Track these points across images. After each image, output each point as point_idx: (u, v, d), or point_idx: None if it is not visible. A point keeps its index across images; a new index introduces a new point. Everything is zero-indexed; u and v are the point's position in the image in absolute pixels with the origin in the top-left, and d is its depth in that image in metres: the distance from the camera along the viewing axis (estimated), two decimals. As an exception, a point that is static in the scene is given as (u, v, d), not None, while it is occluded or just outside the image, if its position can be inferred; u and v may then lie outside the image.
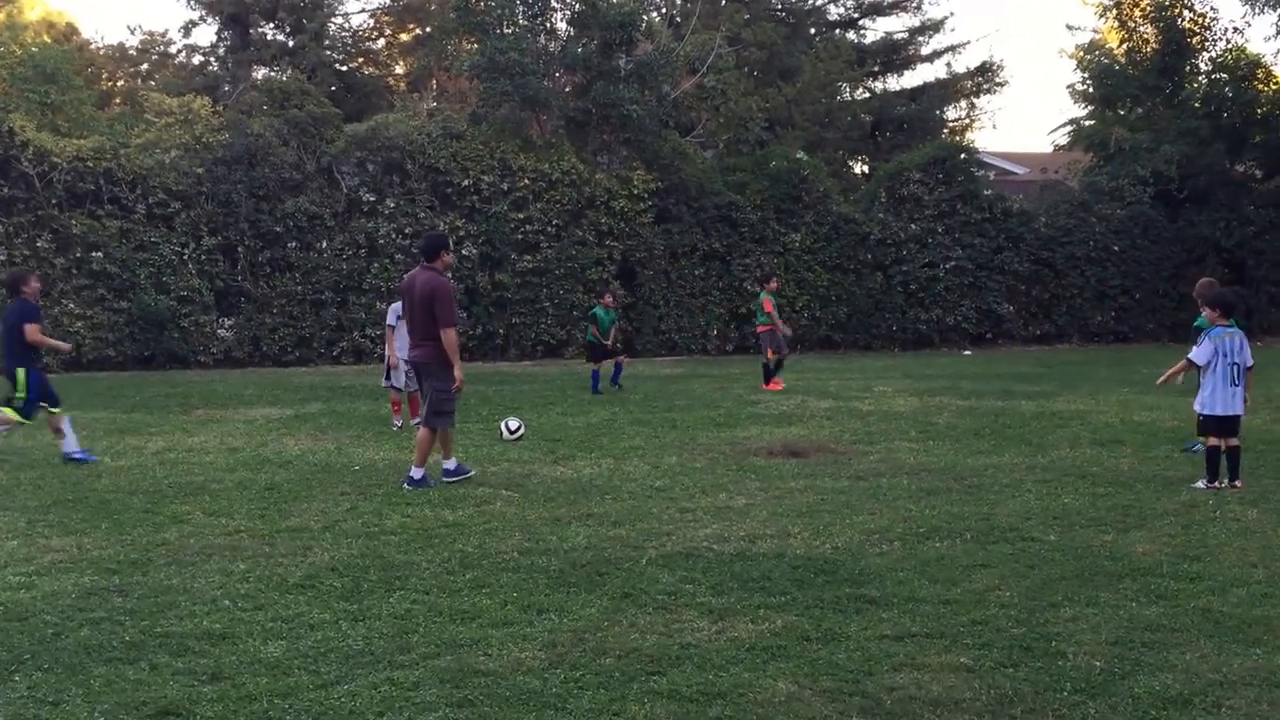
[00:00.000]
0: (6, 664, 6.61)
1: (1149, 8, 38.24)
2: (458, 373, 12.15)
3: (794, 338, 22.24)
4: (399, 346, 16.77)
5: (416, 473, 12.04)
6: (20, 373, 14.00)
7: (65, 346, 16.00)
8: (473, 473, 12.48)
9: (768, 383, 22.00)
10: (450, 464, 12.38)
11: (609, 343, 22.20)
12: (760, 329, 22.73)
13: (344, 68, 46.18)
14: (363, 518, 10.55)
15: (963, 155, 35.59)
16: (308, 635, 7.11)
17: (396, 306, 17.08)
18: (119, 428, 17.14)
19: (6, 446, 14.90)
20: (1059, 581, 8.25)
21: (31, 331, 14.03)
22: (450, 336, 12.01)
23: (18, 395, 14.00)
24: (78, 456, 13.89)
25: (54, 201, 28.11)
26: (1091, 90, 41.62)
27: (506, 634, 7.11)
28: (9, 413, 14.00)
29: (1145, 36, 38.72)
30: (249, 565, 8.82)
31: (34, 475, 13.06)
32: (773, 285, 23.21)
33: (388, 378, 17.19)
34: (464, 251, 30.44)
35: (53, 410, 14.19)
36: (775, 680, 6.36)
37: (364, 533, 9.93)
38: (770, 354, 22.30)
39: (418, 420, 16.71)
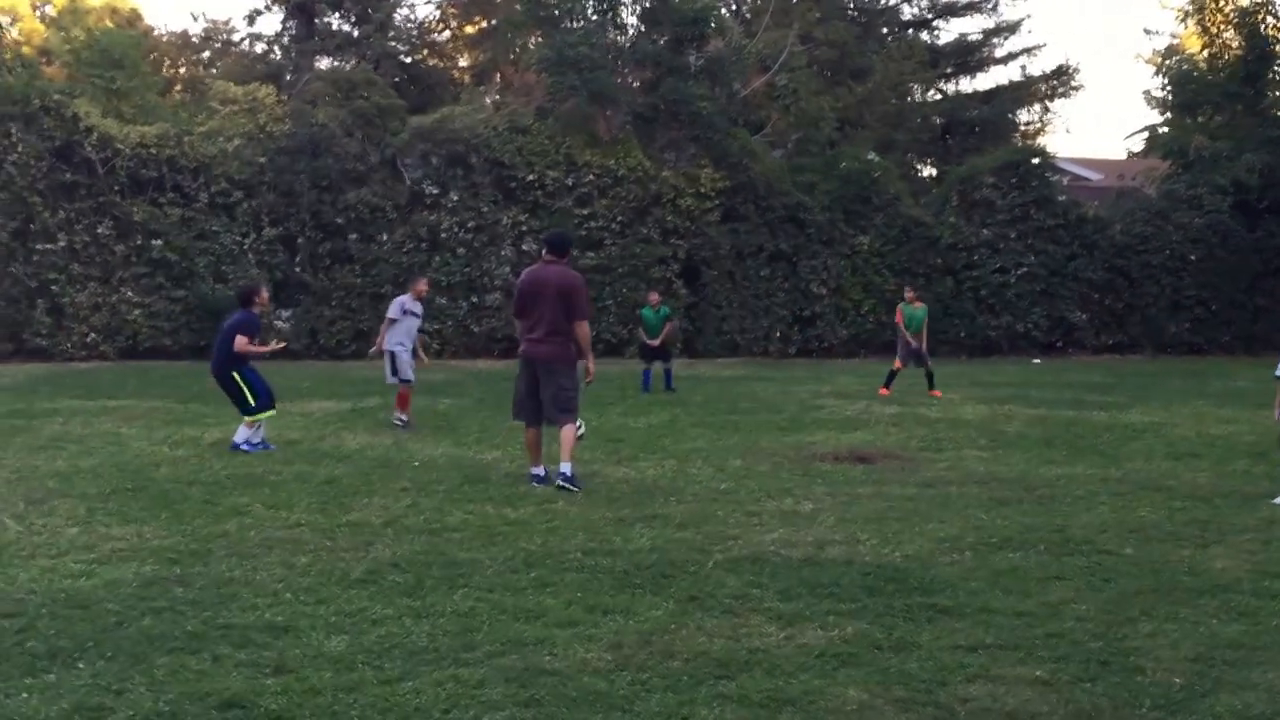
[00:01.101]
0: (70, 651, 6.53)
1: (1232, 13, 37.59)
2: (591, 366, 12.16)
3: (909, 352, 21.84)
4: (401, 340, 16.81)
5: (565, 468, 11.69)
6: (235, 376, 14.15)
7: (266, 350, 15.63)
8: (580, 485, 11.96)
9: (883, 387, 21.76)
10: (565, 467, 11.85)
11: (655, 342, 22.04)
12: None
13: (408, 59, 46.23)
14: (424, 514, 10.41)
15: (1037, 160, 35.07)
16: (371, 630, 6.98)
17: (403, 300, 17.08)
18: (176, 418, 17.14)
19: (65, 435, 14.92)
20: (1136, 596, 8.00)
21: (240, 343, 14.19)
22: (586, 330, 11.89)
23: (248, 400, 14.14)
24: (244, 448, 13.97)
25: (116, 188, 28.28)
26: (1170, 97, 41.01)
27: (572, 634, 6.96)
28: (250, 420, 14.16)
29: (1228, 42, 38.04)
30: (310, 559, 8.72)
31: (94, 463, 13.03)
32: (909, 294, 22.65)
33: (395, 373, 16.92)
34: (524, 247, 30.38)
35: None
36: (846, 688, 6.18)
37: (426, 529, 9.80)
38: (897, 363, 22.03)
39: (403, 417, 16.64)
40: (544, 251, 12.24)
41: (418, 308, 17.27)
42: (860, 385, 22.99)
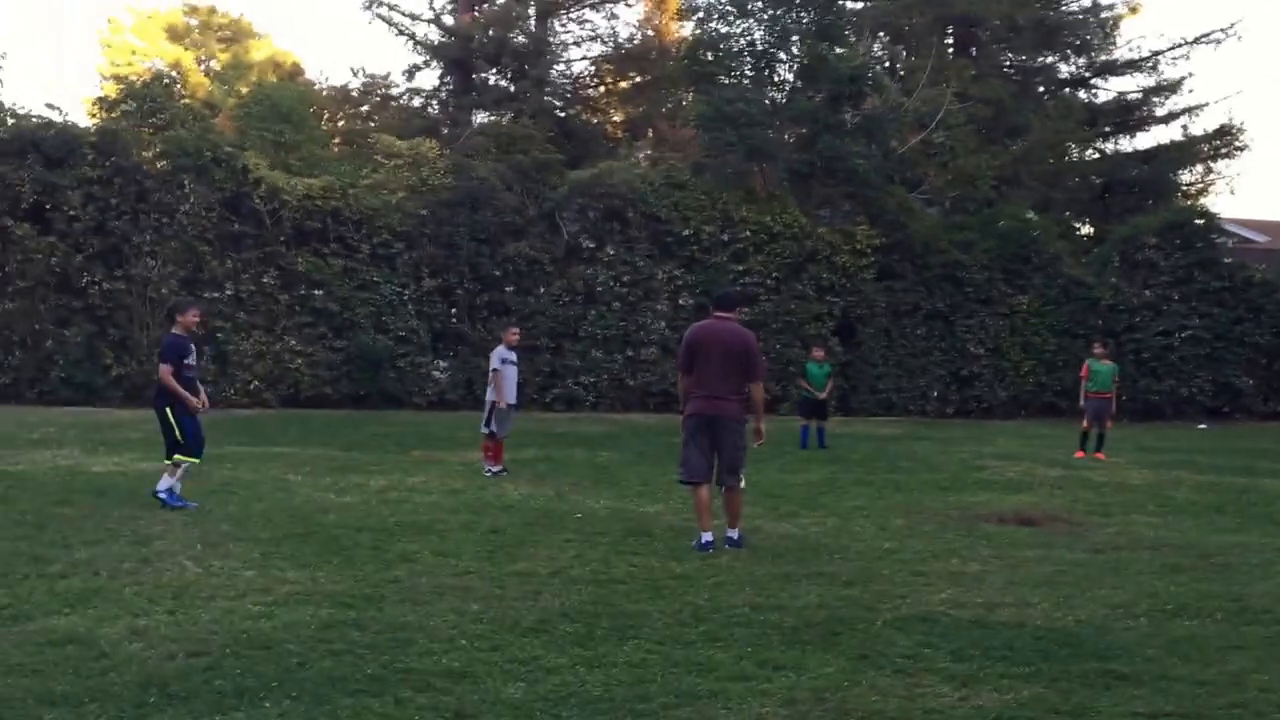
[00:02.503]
0: (255, 690, 6.65)
1: None
2: (763, 427, 12.05)
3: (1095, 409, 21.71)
4: (507, 392, 16.91)
5: (734, 533, 11.59)
6: (167, 412, 13.15)
7: (195, 403, 13.23)
8: (743, 543, 11.84)
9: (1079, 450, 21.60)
10: (734, 534, 11.70)
11: (823, 395, 22.00)
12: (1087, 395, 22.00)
13: (563, 114, 46.82)
14: (590, 565, 10.44)
15: (1202, 221, 34.35)
16: (546, 679, 7.01)
17: (502, 351, 17.11)
18: (340, 465, 17.39)
19: (235, 480, 15.22)
20: (1321, 668, 7.75)
21: (164, 373, 13.07)
22: (760, 391, 11.86)
23: (176, 436, 13.13)
24: (162, 496, 13.05)
25: (281, 239, 28.92)
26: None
27: (745, 688, 6.92)
28: (174, 460, 13.18)
29: None
30: (481, 606, 8.78)
31: (264, 508, 13.27)
32: (1097, 350, 22.55)
33: (489, 424, 17.00)
34: (680, 302, 30.51)
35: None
36: (1025, 752, 6.08)
37: (592, 579, 9.83)
38: (1086, 424, 21.83)
39: (498, 469, 16.75)
40: (712, 308, 12.07)
41: (513, 356, 17.38)
42: (1022, 447, 22.65)
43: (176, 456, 13.14)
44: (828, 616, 8.75)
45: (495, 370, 17.04)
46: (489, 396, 17.21)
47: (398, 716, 6.30)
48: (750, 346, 11.60)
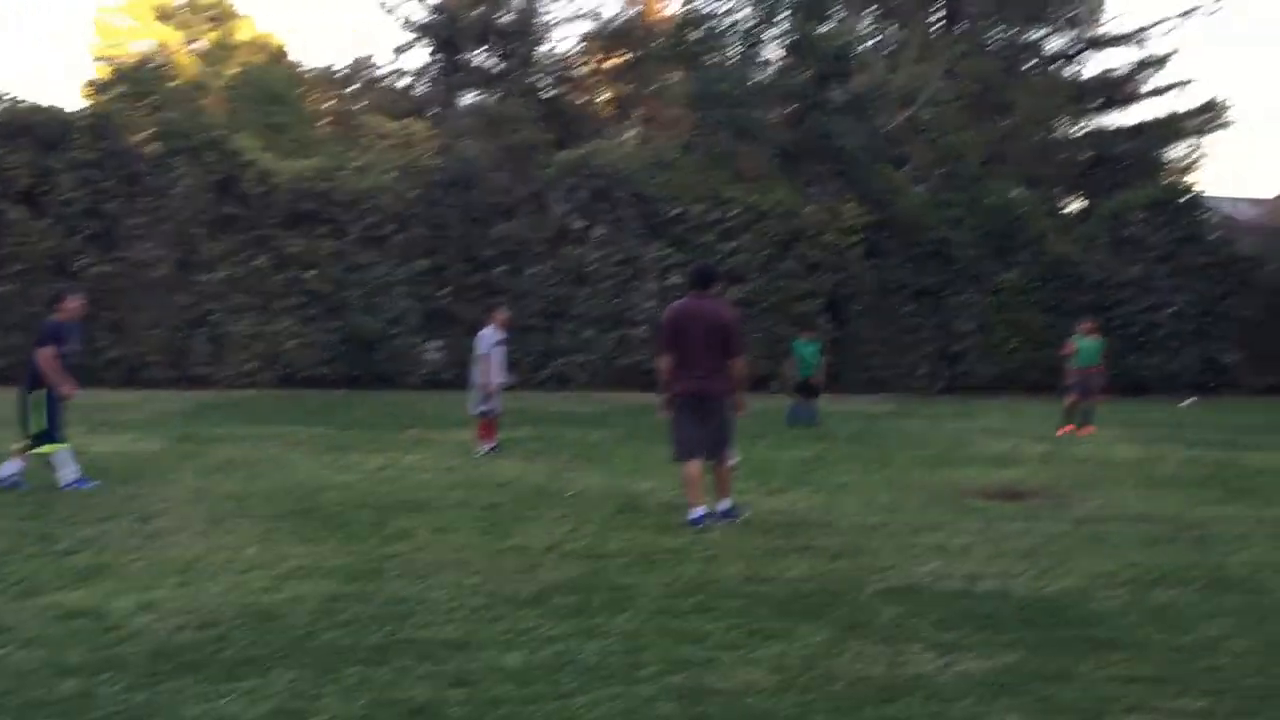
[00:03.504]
0: (265, 659, 6.85)
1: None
2: (744, 400, 12.23)
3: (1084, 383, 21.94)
4: (494, 373, 17.13)
5: (724, 504, 11.83)
6: (41, 395, 12.87)
7: (68, 389, 12.98)
8: (740, 514, 12.09)
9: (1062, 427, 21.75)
10: (726, 503, 11.97)
11: (818, 380, 22.24)
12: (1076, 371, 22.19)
13: (550, 93, 46.81)
14: (584, 540, 10.63)
15: (1189, 196, 34.50)
16: (544, 648, 7.21)
17: (489, 334, 17.30)
18: (338, 444, 17.55)
19: (234, 459, 15.44)
20: (1294, 634, 7.99)
21: (43, 356, 12.77)
22: (742, 365, 11.91)
23: (44, 425, 12.84)
24: (71, 483, 12.78)
25: (273, 220, 29.00)
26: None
27: (736, 657, 7.13)
28: (48, 448, 12.84)
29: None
30: (479, 580, 8.97)
31: (265, 486, 13.45)
32: (1085, 326, 22.68)
33: (486, 402, 17.23)
34: (669, 281, 30.65)
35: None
36: (1006, 714, 6.27)
37: (587, 554, 10.02)
38: (1072, 399, 22.02)
39: (491, 445, 16.95)
40: (691, 285, 12.18)
41: (501, 336, 17.58)
42: (1009, 423, 22.88)
43: (46, 448, 12.85)
44: (816, 588, 8.93)
45: (484, 355, 17.19)
46: (475, 379, 17.37)
47: (401, 683, 6.50)
48: (730, 323, 11.72)
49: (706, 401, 11.77)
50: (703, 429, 11.80)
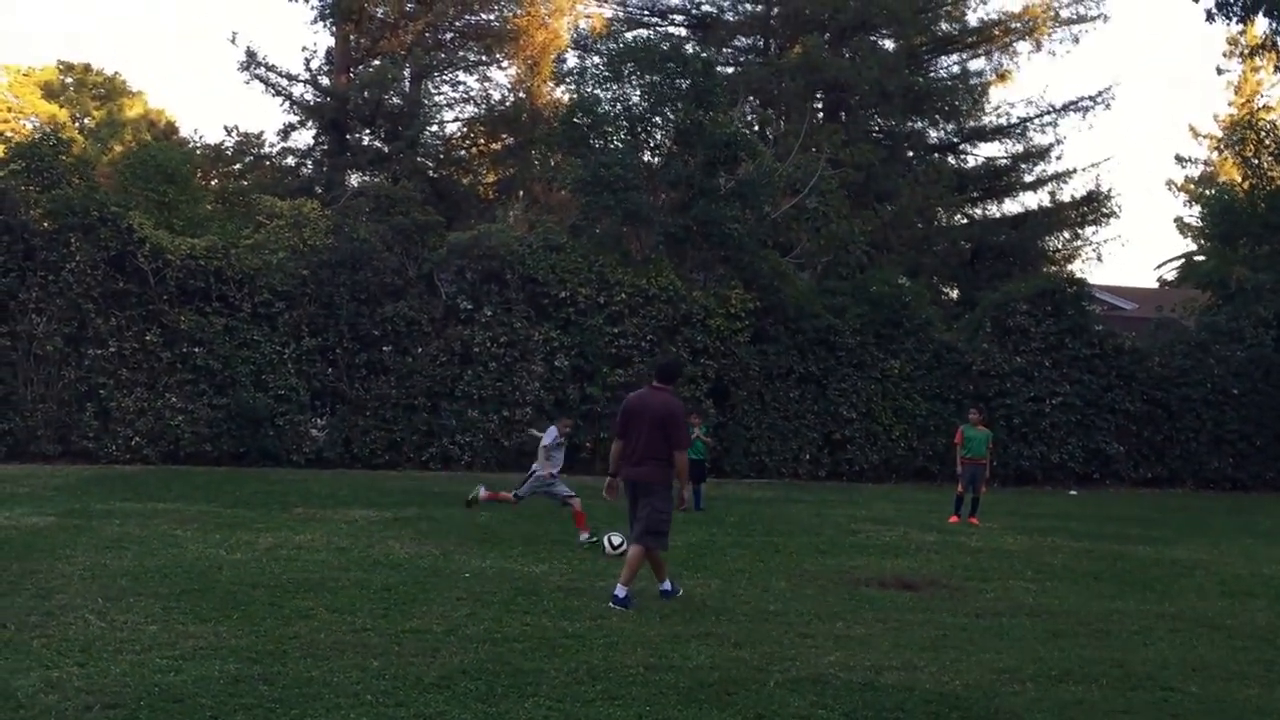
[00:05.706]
0: (173, 747, 6.68)
1: (1273, 145, 37.65)
2: (686, 493, 12.86)
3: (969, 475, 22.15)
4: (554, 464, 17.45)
5: (621, 591, 11.95)
6: None
7: None
8: (681, 591, 12.63)
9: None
10: (666, 585, 12.58)
11: (706, 462, 22.26)
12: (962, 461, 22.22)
13: (435, 174, 46.78)
14: (483, 623, 10.60)
15: (1073, 289, 35.05)
16: (455, 736, 7.11)
17: (554, 432, 17.68)
18: (226, 522, 17.30)
19: (126, 535, 15.14)
20: (1208, 735, 8.04)
21: None
22: (683, 459, 12.34)
23: None
24: None
25: (165, 297, 28.71)
26: (1207, 226, 40.90)
27: (647, 750, 7.06)
28: None
29: (1268, 173, 37.99)
30: (382, 663, 8.92)
31: (159, 563, 13.29)
32: (973, 416, 22.69)
33: (553, 487, 17.53)
34: (556, 363, 30.58)
35: None
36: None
37: (488, 638, 9.99)
38: (960, 488, 22.16)
39: (588, 535, 16.87)
40: (654, 377, 12.86)
41: (563, 439, 17.95)
42: (895, 511, 23.00)
43: None
44: (720, 677, 8.95)
45: (546, 446, 17.43)
46: (537, 469, 17.54)
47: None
48: (675, 416, 12.32)
49: (640, 486, 12.24)
50: (637, 512, 12.26)
